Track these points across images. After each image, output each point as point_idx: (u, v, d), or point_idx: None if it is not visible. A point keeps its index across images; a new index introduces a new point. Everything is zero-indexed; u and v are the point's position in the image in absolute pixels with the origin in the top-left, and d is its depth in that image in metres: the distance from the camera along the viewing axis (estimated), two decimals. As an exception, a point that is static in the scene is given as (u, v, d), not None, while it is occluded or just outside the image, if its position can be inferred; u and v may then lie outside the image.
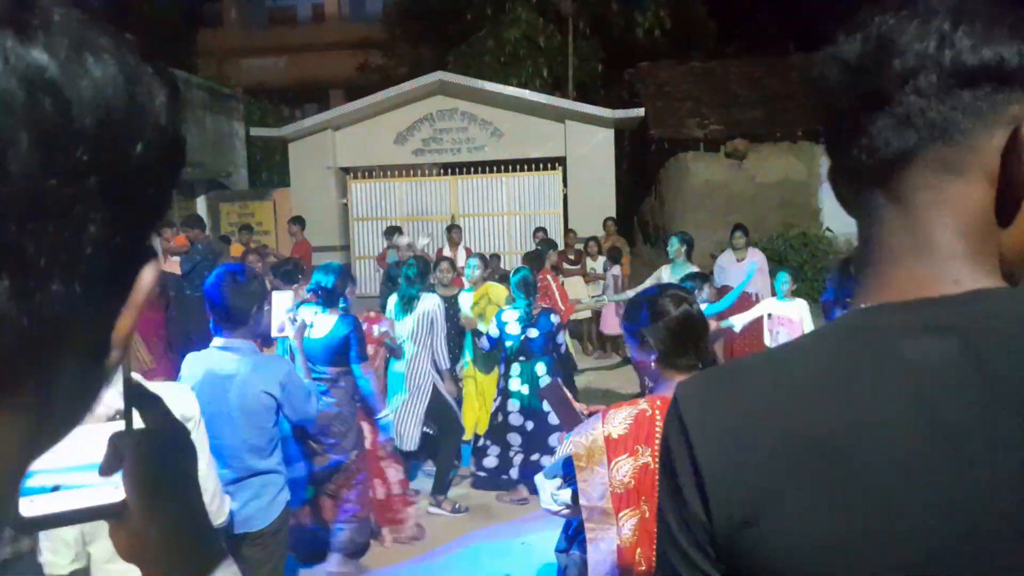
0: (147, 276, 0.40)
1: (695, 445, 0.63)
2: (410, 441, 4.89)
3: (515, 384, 5.03)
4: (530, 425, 5.00)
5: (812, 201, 12.58)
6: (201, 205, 13.82)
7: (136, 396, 0.56)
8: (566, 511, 2.04)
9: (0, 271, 0.30)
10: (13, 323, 0.31)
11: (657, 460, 1.87)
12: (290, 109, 19.83)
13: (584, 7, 16.34)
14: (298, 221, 10.45)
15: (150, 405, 0.58)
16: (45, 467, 0.50)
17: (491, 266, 6.56)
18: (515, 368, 5.03)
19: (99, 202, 0.34)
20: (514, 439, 5.04)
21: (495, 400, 5.18)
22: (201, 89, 15.11)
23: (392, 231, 9.67)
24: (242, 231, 10.47)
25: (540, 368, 5.00)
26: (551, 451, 4.98)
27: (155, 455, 0.56)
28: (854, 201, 0.68)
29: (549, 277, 6.80)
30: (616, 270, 9.06)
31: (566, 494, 2.00)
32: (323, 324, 3.93)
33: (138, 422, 0.56)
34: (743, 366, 0.74)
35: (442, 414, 5.01)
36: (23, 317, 0.31)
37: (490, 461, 5.12)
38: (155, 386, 1.76)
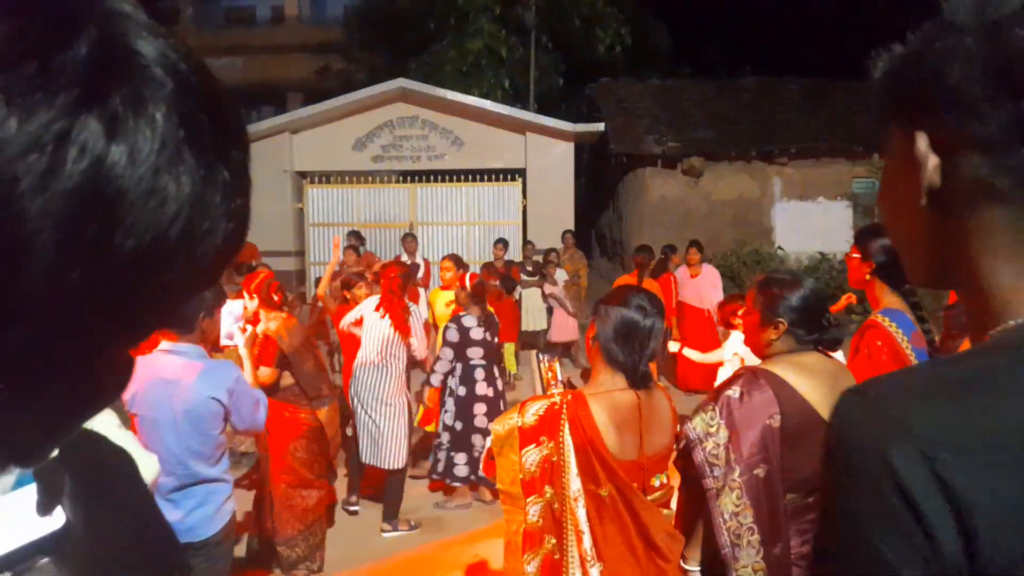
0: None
1: (946, 472, 0.52)
2: (396, 460, 4.81)
3: (453, 384, 5.08)
4: (459, 425, 5.04)
5: (765, 219, 12.87)
6: (150, 205, 13.46)
7: None
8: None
9: None
10: None
11: (558, 452, 1.96)
12: (246, 111, 19.49)
13: (547, 21, 16.49)
14: None
15: None
16: None
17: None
18: (457, 368, 5.07)
19: (95, 318, 0.29)
20: (445, 437, 5.09)
21: (443, 404, 5.20)
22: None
23: (352, 235, 9.64)
24: None
25: (479, 373, 5.06)
26: (470, 451, 5.00)
27: (85, 467, 0.53)
28: (978, 210, 0.62)
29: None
30: (560, 277, 9.11)
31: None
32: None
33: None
34: (959, 376, 0.59)
35: None
36: None
37: (440, 465, 5.13)
38: None
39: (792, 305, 2.12)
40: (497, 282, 8.82)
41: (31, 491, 0.49)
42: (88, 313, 0.29)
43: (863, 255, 2.70)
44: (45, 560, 0.50)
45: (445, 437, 5.08)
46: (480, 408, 5.07)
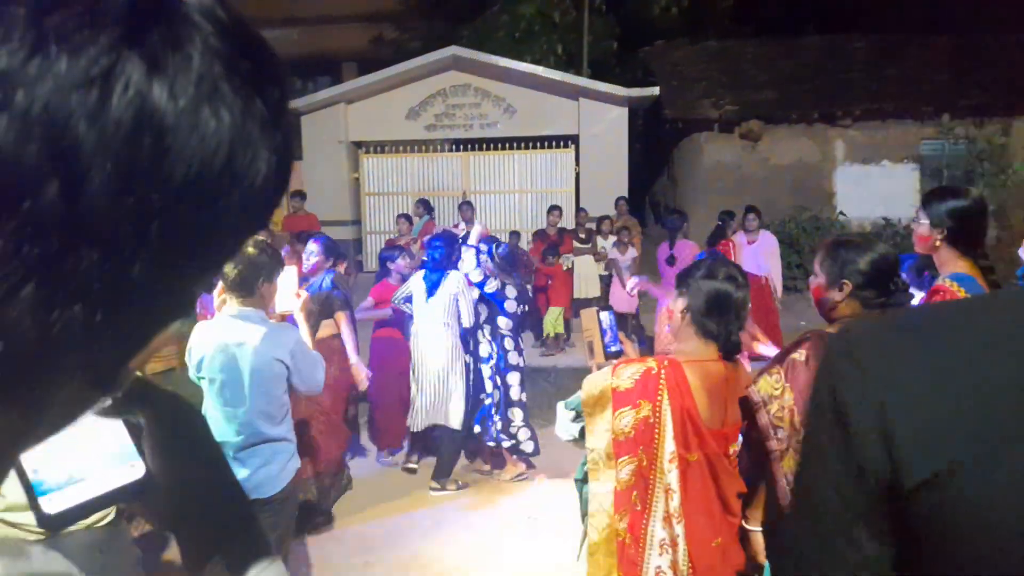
0: (172, 327, 0.38)
1: (885, 395, 0.59)
2: (456, 418, 4.94)
3: (485, 350, 5.14)
4: (498, 394, 5.09)
5: (825, 184, 12.47)
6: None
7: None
8: (573, 442, 2.22)
9: (29, 279, 0.29)
10: (21, 331, 0.30)
11: (656, 415, 2.00)
12: (302, 82, 19.71)
13: (600, -17, 16.15)
14: (299, 195, 10.50)
15: (137, 385, 0.57)
16: (53, 465, 0.51)
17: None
18: (486, 332, 5.15)
19: (155, 246, 0.32)
20: (519, 415, 5.11)
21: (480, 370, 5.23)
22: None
23: (420, 203, 9.84)
24: None
25: (508, 343, 5.15)
26: (506, 417, 5.06)
27: (164, 424, 0.57)
28: None
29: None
30: (631, 252, 8.98)
31: (578, 428, 2.16)
32: None
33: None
34: (927, 317, 0.68)
35: None
36: (33, 329, 0.30)
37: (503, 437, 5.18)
38: None
39: (859, 268, 2.07)
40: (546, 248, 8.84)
41: None
42: (147, 241, 0.31)
43: (931, 220, 2.59)
44: (125, 507, 0.55)
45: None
46: (515, 378, 5.14)
